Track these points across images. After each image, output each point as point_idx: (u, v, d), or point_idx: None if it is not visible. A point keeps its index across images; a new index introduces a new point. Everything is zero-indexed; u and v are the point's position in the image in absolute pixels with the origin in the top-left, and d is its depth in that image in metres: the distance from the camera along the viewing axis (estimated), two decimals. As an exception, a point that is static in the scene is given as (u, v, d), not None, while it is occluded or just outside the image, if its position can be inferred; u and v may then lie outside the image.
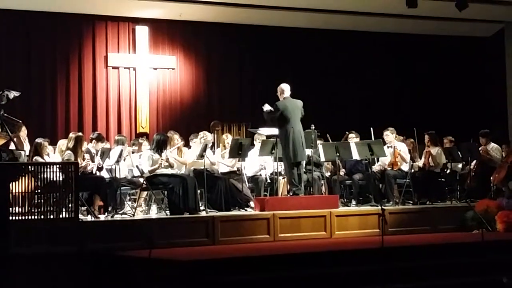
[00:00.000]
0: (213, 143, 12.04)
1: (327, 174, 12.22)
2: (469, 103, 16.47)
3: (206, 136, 11.29)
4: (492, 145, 12.72)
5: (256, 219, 9.72)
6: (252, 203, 10.75)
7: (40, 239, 8.26)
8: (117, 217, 9.78)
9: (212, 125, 13.80)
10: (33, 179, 8.68)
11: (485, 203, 10.70)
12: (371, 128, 11.70)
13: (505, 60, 16.52)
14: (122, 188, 10.42)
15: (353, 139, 11.96)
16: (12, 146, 9.57)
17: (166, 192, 10.28)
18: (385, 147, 11.47)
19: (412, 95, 16.41)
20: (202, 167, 10.51)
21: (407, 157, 11.62)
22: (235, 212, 10.47)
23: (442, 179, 12.12)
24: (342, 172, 12.03)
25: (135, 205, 10.60)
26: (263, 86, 14.22)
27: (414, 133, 12.01)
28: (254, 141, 11.65)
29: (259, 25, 15.22)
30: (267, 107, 10.82)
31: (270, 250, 8.56)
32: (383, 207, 9.20)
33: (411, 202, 11.48)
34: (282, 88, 10.88)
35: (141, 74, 14.62)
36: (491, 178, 11.84)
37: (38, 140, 10.31)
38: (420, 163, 11.85)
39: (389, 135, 11.73)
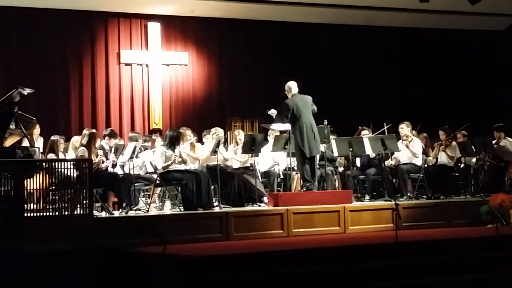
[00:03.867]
0: (226, 139, 12.03)
1: (341, 169, 12.21)
2: (482, 97, 16.39)
3: (218, 132, 11.30)
4: (507, 138, 12.66)
5: (270, 215, 9.74)
6: (265, 199, 10.76)
7: (55, 235, 8.26)
8: (131, 213, 9.81)
9: (232, 121, 13.79)
10: (47, 175, 8.71)
11: (500, 197, 10.64)
12: (385, 124, 11.64)
13: (518, 53, 16.46)
14: (136, 184, 10.45)
15: (365, 134, 11.92)
16: (26, 143, 9.60)
17: (179, 188, 10.30)
18: (399, 142, 11.40)
19: (424, 89, 16.32)
20: (216, 163, 10.53)
21: (420, 151, 11.56)
22: (248, 208, 10.47)
23: (456, 174, 12.08)
24: (358, 165, 12.00)
25: (149, 201, 10.63)
26: (275, 81, 14.13)
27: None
28: (268, 137, 11.65)
29: (271, 20, 15.21)
30: (273, 112, 10.84)
31: (283, 245, 8.55)
32: (396, 202, 9.21)
33: (425, 196, 11.43)
34: (289, 86, 10.87)
35: (154, 71, 14.65)
36: (506, 172, 11.80)
37: (53, 137, 10.37)
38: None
39: (404, 128, 11.61)
